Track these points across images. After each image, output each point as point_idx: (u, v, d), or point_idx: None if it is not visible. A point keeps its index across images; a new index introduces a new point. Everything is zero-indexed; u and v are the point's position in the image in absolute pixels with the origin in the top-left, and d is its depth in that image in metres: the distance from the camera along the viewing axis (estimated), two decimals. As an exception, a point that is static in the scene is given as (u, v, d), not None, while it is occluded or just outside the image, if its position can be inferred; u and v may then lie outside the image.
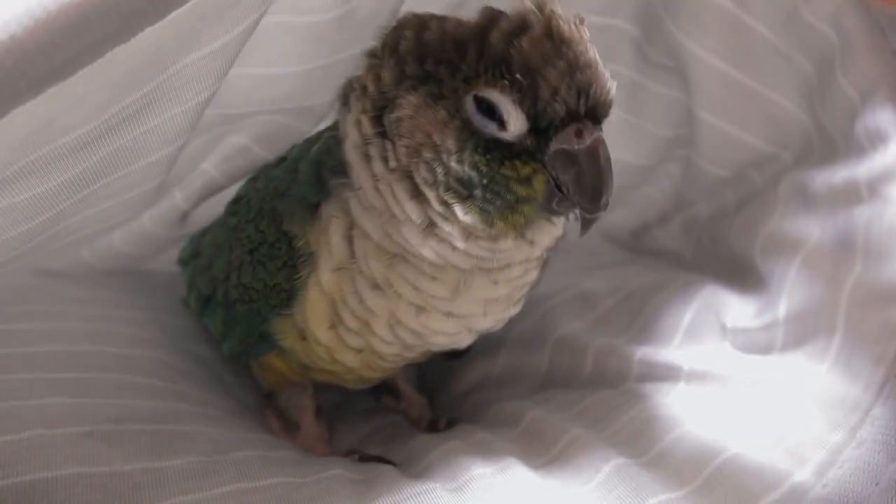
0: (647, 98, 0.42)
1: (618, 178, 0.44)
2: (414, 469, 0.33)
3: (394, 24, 0.29)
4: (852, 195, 0.30)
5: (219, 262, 0.36)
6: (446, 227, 0.28)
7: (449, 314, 0.31)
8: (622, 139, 0.43)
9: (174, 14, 0.22)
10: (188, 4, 0.22)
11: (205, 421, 0.33)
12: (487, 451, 0.33)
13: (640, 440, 0.30)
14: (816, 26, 0.35)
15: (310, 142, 0.34)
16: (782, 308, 0.31)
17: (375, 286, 0.30)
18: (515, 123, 0.26)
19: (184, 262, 0.42)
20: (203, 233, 0.41)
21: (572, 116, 0.26)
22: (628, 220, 0.47)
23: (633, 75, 0.41)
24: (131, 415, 0.31)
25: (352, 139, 0.29)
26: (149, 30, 0.21)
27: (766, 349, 0.31)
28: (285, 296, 0.32)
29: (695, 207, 0.43)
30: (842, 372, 0.28)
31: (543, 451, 0.32)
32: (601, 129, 0.27)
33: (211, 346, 0.40)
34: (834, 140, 0.34)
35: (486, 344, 0.40)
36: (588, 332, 0.39)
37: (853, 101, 0.33)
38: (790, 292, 0.31)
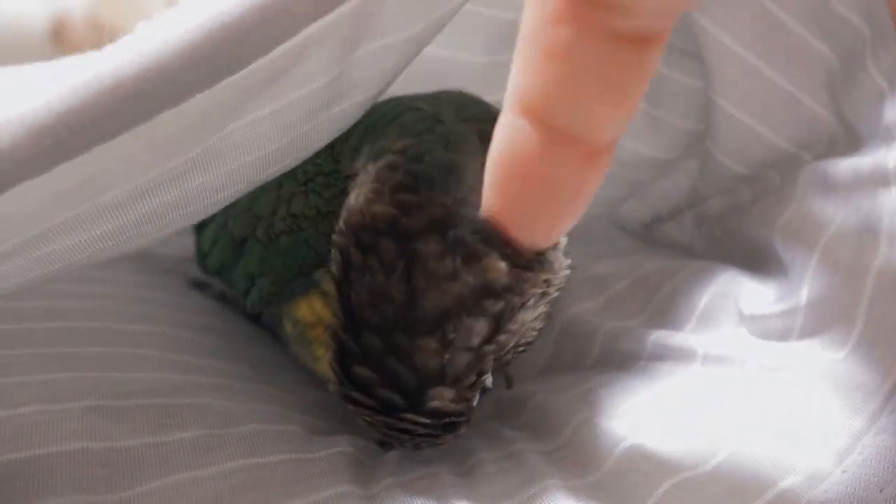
0: (667, 87, 0.41)
1: (635, 171, 0.44)
2: (419, 456, 0.33)
3: None
4: (879, 181, 0.30)
5: (263, 200, 0.36)
6: None
7: None
8: (642, 131, 0.42)
9: (224, 83, 0.21)
10: (237, 76, 0.21)
11: (213, 392, 0.32)
12: (494, 439, 0.32)
13: (652, 420, 0.30)
14: (846, 16, 0.34)
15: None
16: (804, 295, 0.31)
17: None
18: None
19: (200, 226, 0.41)
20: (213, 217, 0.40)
21: None
22: (640, 212, 0.47)
23: None
24: (136, 388, 0.30)
25: None
26: (199, 96, 0.21)
27: (784, 336, 0.31)
28: (337, 222, 0.32)
29: (707, 203, 0.42)
30: (862, 359, 0.28)
31: (552, 437, 0.32)
32: None
33: (222, 318, 0.40)
34: (857, 131, 0.34)
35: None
36: (598, 314, 0.38)
37: (882, 90, 0.32)
38: (812, 279, 0.30)
